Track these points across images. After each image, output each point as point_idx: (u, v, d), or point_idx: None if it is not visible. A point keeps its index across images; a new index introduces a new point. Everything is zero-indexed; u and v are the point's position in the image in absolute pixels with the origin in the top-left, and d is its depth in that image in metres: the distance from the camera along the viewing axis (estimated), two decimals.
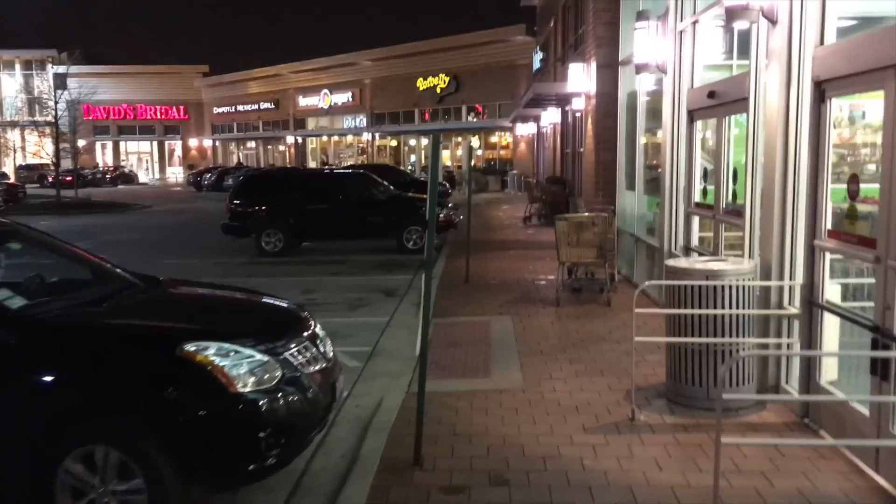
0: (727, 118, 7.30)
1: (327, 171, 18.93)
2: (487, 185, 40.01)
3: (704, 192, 8.00)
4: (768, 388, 5.88)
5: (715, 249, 7.54)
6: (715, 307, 5.60)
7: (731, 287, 5.58)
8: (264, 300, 5.49)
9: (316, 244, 17.33)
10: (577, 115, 19.42)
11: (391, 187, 17.13)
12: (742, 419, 5.55)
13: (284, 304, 5.49)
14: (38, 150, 46.09)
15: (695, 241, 8.45)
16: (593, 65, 12.98)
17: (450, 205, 17.17)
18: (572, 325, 8.85)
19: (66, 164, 61.43)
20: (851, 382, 5.26)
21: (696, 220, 8.44)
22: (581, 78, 13.66)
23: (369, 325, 9.38)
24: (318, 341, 4.92)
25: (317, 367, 4.59)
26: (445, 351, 7.87)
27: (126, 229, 23.19)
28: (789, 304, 5.71)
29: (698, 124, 8.27)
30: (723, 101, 7.22)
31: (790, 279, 5.67)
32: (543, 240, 17.37)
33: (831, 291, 5.35)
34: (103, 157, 65.38)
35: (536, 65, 29.68)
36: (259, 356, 4.17)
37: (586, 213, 10.96)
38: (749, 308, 5.65)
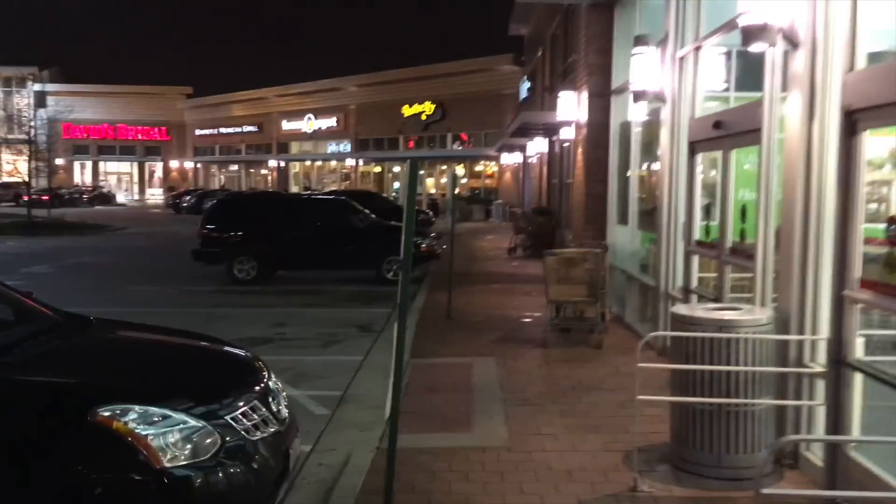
0: (733, 151, 6.71)
1: (305, 196, 18.17)
2: (472, 214, 39.45)
3: (707, 230, 7.39)
4: (786, 456, 5.21)
5: (718, 293, 6.91)
6: (728, 362, 4.94)
7: (746, 340, 4.93)
8: (211, 347, 4.75)
9: (291, 273, 16.57)
10: (566, 145, 18.91)
11: (371, 215, 16.46)
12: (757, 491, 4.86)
13: (235, 353, 4.76)
14: (13, 168, 45.12)
15: (694, 282, 7.83)
16: (584, 94, 12.45)
17: (432, 234, 16.51)
18: (561, 369, 8.16)
19: (44, 183, 60.42)
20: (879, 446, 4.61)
21: (695, 260, 7.82)
22: (571, 107, 13.13)
23: (341, 366, 8.65)
24: (271, 398, 4.20)
25: (267, 432, 3.86)
26: (422, 398, 7.15)
27: (95, 252, 22.30)
28: (811, 360, 5.06)
29: (700, 157, 7.68)
30: (730, 131, 6.64)
31: (813, 333, 5.03)
32: (529, 273, 16.74)
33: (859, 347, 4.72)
34: (82, 176, 64.33)
35: (523, 94, 29.31)
36: (193, 422, 3.43)
37: (576, 249, 10.33)
38: (766, 364, 4.99)
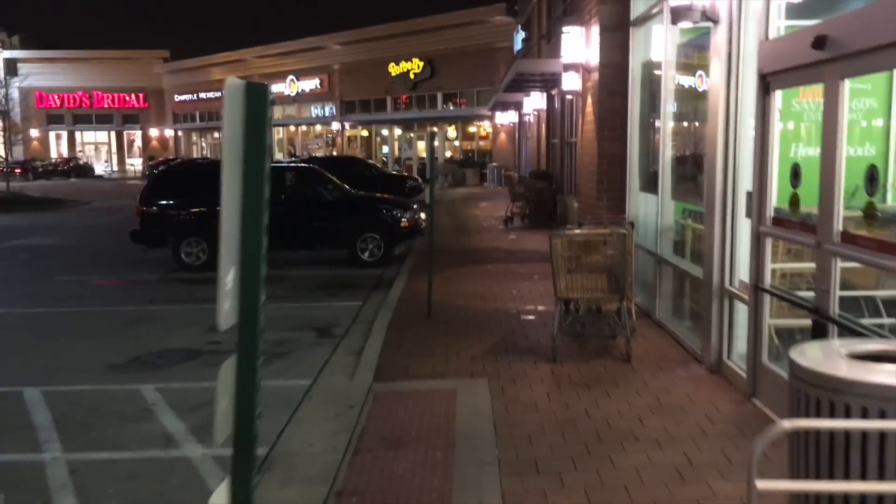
0: (844, 82, 4.33)
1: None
2: (465, 178, 36.99)
3: (794, 202, 5.03)
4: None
5: (822, 297, 4.58)
6: None
7: None
8: None
9: None
10: (569, 97, 16.44)
11: (344, 186, 14.04)
12: None
13: None
14: None
15: (768, 277, 5.49)
16: (594, 28, 9.98)
17: (415, 206, 14.12)
18: (580, 399, 5.86)
19: (18, 155, 57.61)
20: None
21: (769, 244, 5.47)
22: (577, 46, 10.64)
23: (279, 395, 6.35)
24: None
25: None
26: (379, 461, 4.85)
27: (44, 231, 19.89)
28: None
29: (777, 95, 5.28)
30: (843, 51, 4.25)
31: None
32: (529, 248, 14.40)
33: None
34: (58, 147, 61.48)
35: (518, 46, 26.67)
36: None
37: (591, 226, 7.95)
38: None
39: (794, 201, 5.00)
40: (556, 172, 19.67)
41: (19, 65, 59.21)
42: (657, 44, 8.79)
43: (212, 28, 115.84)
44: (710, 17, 6.07)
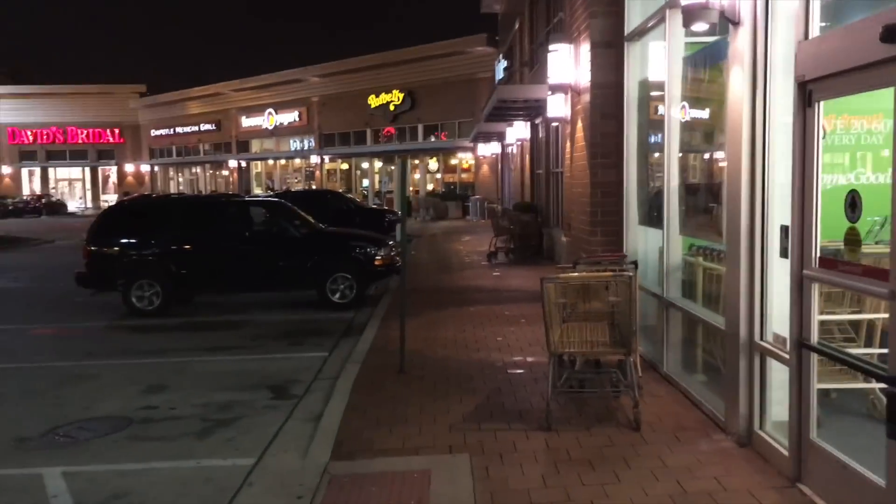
0: None
1: (223, 199, 14.58)
2: (447, 211, 36.03)
3: (852, 239, 3.98)
4: None
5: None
6: None
7: None
8: None
9: (211, 297, 13.01)
10: (554, 125, 15.52)
11: (313, 221, 12.92)
12: None
13: None
14: None
15: (815, 332, 4.42)
16: (585, 46, 9.03)
17: (390, 242, 13.01)
18: (583, 487, 4.72)
19: None
20: None
21: (814, 291, 4.41)
22: (565, 65, 9.67)
23: (213, 482, 5.17)
24: None
25: None
26: None
27: None
28: None
29: (821, 107, 4.27)
30: None
31: None
32: (514, 286, 13.32)
33: None
34: (31, 184, 59.99)
35: (500, 75, 25.88)
36: None
37: (587, 267, 6.86)
38: None
39: (853, 238, 3.95)
40: (541, 204, 18.70)
41: None
42: (657, 59, 7.83)
43: (189, 62, 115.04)
44: (728, 17, 5.08)
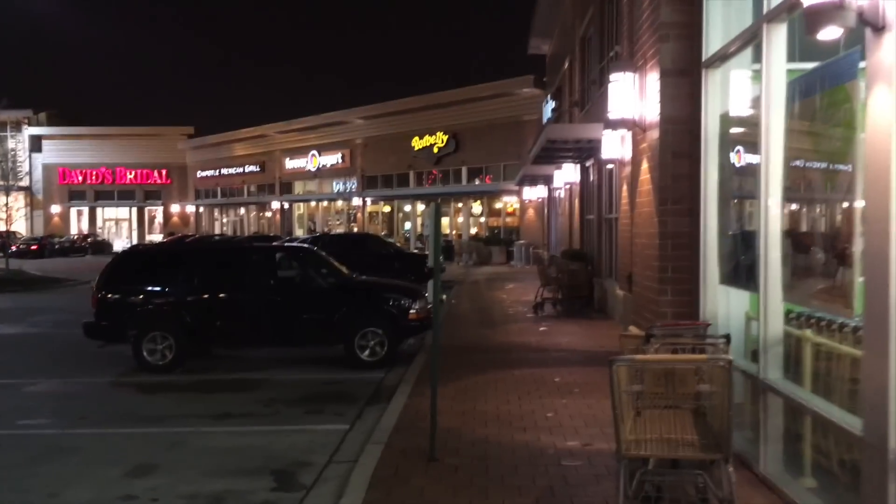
0: None
1: (246, 245, 13.57)
2: (490, 256, 34.77)
3: None
4: None
5: None
6: None
7: None
8: None
9: (231, 351, 11.89)
10: (609, 167, 14.24)
11: (342, 269, 11.79)
12: None
13: None
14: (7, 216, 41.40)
15: None
16: (652, 75, 7.80)
17: (426, 294, 11.76)
18: None
19: (39, 231, 56.76)
20: None
21: None
22: (627, 97, 8.42)
23: None
24: None
25: None
26: None
27: (17, 318, 17.82)
28: None
29: None
30: None
31: None
32: (564, 344, 11.93)
33: None
34: (79, 224, 60.68)
35: (547, 115, 24.79)
36: None
37: (664, 340, 5.49)
38: None
39: None
40: (592, 252, 17.34)
41: (44, 141, 59.24)
42: (743, 88, 6.55)
43: (236, 104, 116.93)
44: (869, 20, 3.80)
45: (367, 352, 10.80)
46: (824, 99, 4.80)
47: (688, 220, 7.39)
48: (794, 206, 5.41)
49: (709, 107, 7.01)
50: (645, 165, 8.12)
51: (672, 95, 7.45)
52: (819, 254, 4.89)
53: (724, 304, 7.05)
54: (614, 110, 8.44)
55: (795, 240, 5.27)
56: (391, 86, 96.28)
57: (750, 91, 6.46)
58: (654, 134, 7.70)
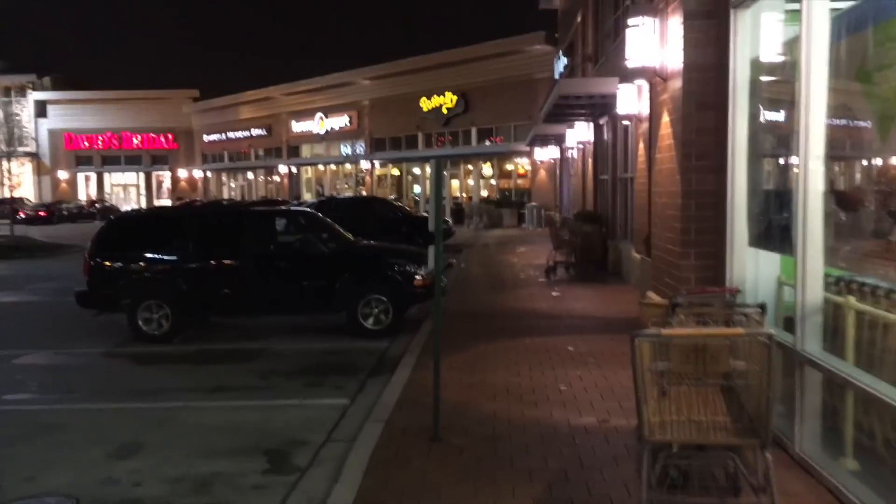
0: None
1: (242, 209, 13.00)
2: (502, 219, 34.17)
3: None
4: None
5: None
6: None
7: None
8: None
9: (228, 320, 11.46)
10: (625, 123, 13.57)
11: (347, 235, 11.28)
12: None
13: None
14: (17, 182, 41.08)
15: None
16: (675, 19, 7.14)
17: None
18: None
19: (47, 197, 56.50)
20: None
21: None
22: (648, 44, 7.74)
23: None
24: None
25: None
26: None
27: (18, 284, 17.49)
28: None
29: None
30: None
31: None
32: (577, 311, 11.42)
33: None
34: (87, 189, 60.39)
35: (559, 72, 23.95)
36: None
37: (689, 309, 4.96)
38: None
39: None
40: (606, 214, 16.74)
41: (49, 106, 58.69)
42: (776, 29, 5.91)
43: (242, 66, 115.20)
44: None
45: (370, 320, 10.33)
46: (878, 34, 4.18)
47: (713, 178, 6.79)
48: (838, 160, 4.82)
49: (738, 52, 6.37)
50: (666, 118, 7.50)
51: (696, 40, 6.80)
52: (869, 212, 4.32)
53: (752, 268, 6.49)
54: (633, 58, 7.78)
55: (840, 197, 4.70)
56: (399, 45, 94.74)
57: (785, 33, 5.82)
58: (677, 83, 7.07)
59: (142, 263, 10.49)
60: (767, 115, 5.90)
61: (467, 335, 9.53)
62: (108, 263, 10.53)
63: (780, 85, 5.67)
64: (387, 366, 8.60)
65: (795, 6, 5.14)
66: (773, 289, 6.48)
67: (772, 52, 5.94)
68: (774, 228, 5.73)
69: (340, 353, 9.51)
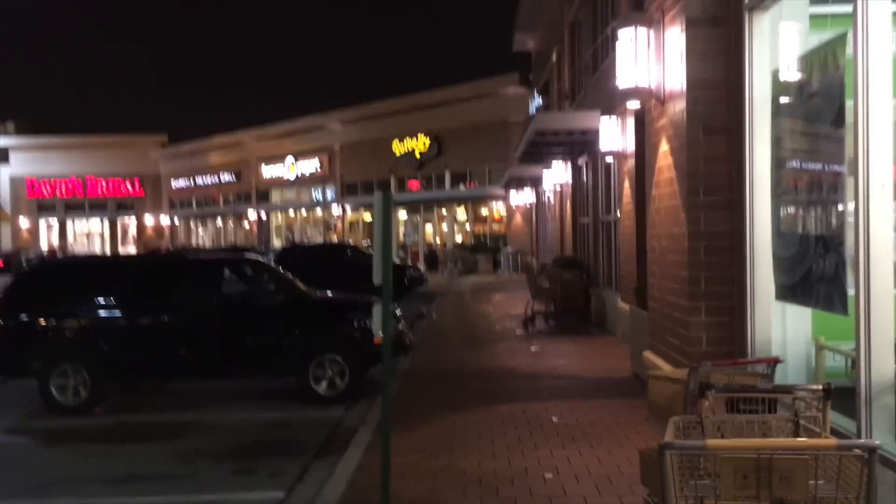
0: None
1: (176, 258, 11.64)
2: (476, 265, 32.94)
3: None
4: None
5: None
6: None
7: None
8: None
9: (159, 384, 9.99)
10: (609, 159, 12.49)
11: (296, 283, 9.92)
12: None
13: None
14: None
15: None
16: (674, 29, 6.03)
17: (397, 311, 9.92)
18: None
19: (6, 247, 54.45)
20: None
21: None
22: (639, 59, 6.58)
23: None
24: None
25: None
26: None
27: None
28: None
29: None
30: None
31: None
32: (560, 369, 10.12)
33: None
34: (49, 237, 58.31)
35: (534, 111, 23.05)
36: None
37: (736, 372, 3.70)
38: None
39: None
40: (587, 260, 15.57)
41: (11, 153, 56.95)
42: (805, 34, 4.80)
43: (211, 111, 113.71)
44: None
45: (324, 383, 8.94)
46: None
47: (727, 216, 5.62)
48: None
49: (755, 63, 5.26)
50: (665, 147, 6.33)
51: (702, 52, 5.68)
52: None
53: (779, 326, 5.29)
54: (624, 77, 6.63)
55: None
56: (370, 88, 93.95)
57: (815, 37, 4.71)
58: (679, 105, 5.92)
59: (57, 321, 9.04)
60: (798, 140, 4.74)
61: (434, 402, 8.18)
62: (18, 321, 9.04)
63: (816, 100, 4.51)
64: (338, 442, 7.22)
65: (828, 8, 4.05)
66: (805, 352, 5.28)
67: (801, 62, 4.81)
68: (814, 279, 4.51)
69: (285, 425, 8.09)
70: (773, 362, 4.22)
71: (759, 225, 5.26)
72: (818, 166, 4.52)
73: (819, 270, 4.44)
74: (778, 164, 5.06)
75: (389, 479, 4.53)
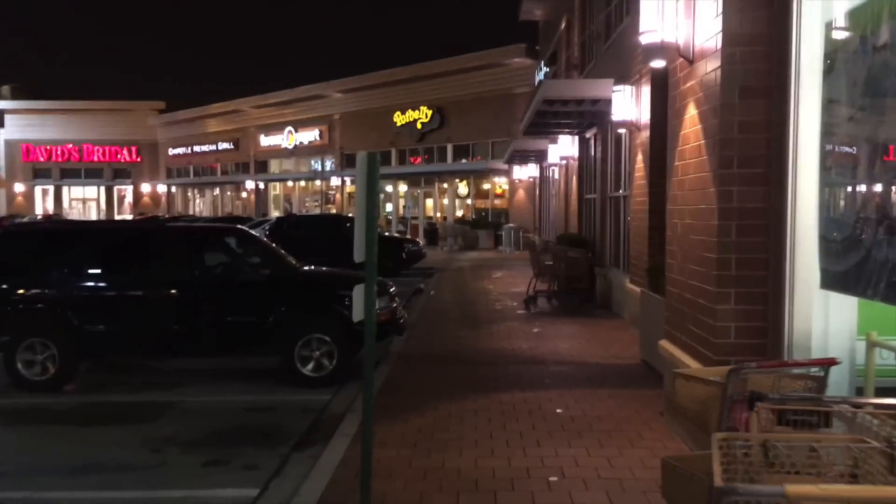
0: None
1: (152, 226, 10.97)
2: (477, 241, 32.25)
3: None
4: None
5: None
6: None
7: None
8: None
9: (134, 361, 9.37)
10: (620, 130, 11.77)
11: (286, 257, 9.25)
12: None
13: None
14: None
15: None
16: None
17: (392, 288, 9.25)
18: None
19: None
20: None
21: None
22: (667, 13, 5.84)
23: None
24: None
25: None
26: None
27: None
28: None
29: None
30: None
31: None
32: (564, 353, 9.49)
33: None
34: (44, 203, 57.56)
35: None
36: None
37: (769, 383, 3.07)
38: None
39: None
40: (592, 238, 14.91)
41: (6, 116, 56.01)
42: None
43: (210, 79, 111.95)
44: None
45: (310, 365, 8.31)
46: None
47: (764, 191, 4.93)
48: None
49: (804, 12, 4.54)
50: (692, 112, 5.63)
51: (741, 2, 4.95)
52: None
53: (821, 317, 4.63)
54: (649, 32, 5.91)
55: None
56: (372, 57, 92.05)
57: None
58: (711, 63, 5.21)
59: (24, 291, 8.39)
60: (857, 102, 4.04)
61: (428, 390, 7.56)
62: None
63: (885, 54, 3.81)
64: (322, 430, 6.61)
65: None
66: (848, 348, 4.63)
67: (863, 9, 4.09)
68: (873, 267, 3.84)
69: (266, 409, 7.48)
70: (828, 364, 3.58)
71: (802, 202, 4.59)
72: (883, 134, 3.83)
73: (881, 257, 3.77)
74: (828, 131, 4.37)
75: (370, 486, 3.90)
